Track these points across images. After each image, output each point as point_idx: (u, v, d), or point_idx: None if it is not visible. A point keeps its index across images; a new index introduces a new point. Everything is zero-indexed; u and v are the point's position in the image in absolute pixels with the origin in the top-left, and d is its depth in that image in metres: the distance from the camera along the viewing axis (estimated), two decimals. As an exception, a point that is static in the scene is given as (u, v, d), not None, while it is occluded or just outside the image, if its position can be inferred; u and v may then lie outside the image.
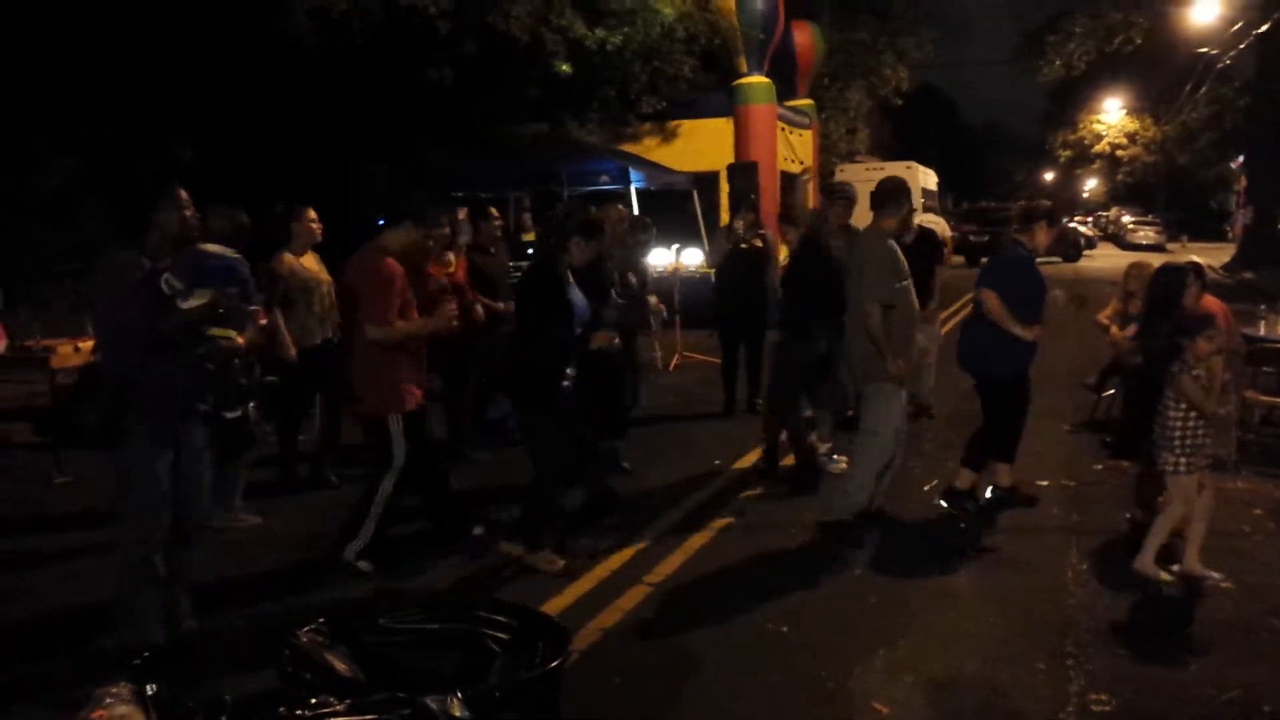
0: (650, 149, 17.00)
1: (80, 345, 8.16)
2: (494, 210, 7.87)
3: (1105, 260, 31.37)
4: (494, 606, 2.98)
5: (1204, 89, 33.31)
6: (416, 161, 14.13)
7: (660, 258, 13.71)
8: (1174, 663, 4.31)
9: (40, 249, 12.29)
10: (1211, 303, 7.07)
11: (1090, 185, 64.37)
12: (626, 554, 5.62)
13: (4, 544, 5.94)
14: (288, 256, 6.59)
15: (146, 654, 4.12)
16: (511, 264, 10.34)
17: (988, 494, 6.33)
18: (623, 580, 5.22)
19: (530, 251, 11.62)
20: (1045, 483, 6.67)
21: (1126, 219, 44.35)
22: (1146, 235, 39.85)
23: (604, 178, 13.35)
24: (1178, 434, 5.09)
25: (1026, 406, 6.26)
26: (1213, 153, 35.13)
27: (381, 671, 2.78)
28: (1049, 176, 69.12)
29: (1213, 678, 4.15)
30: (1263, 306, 8.88)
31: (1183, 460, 5.09)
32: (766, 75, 17.29)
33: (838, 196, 7.37)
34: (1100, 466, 7.29)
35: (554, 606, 4.80)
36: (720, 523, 6.18)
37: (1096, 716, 3.86)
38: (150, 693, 2.01)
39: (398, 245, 5.27)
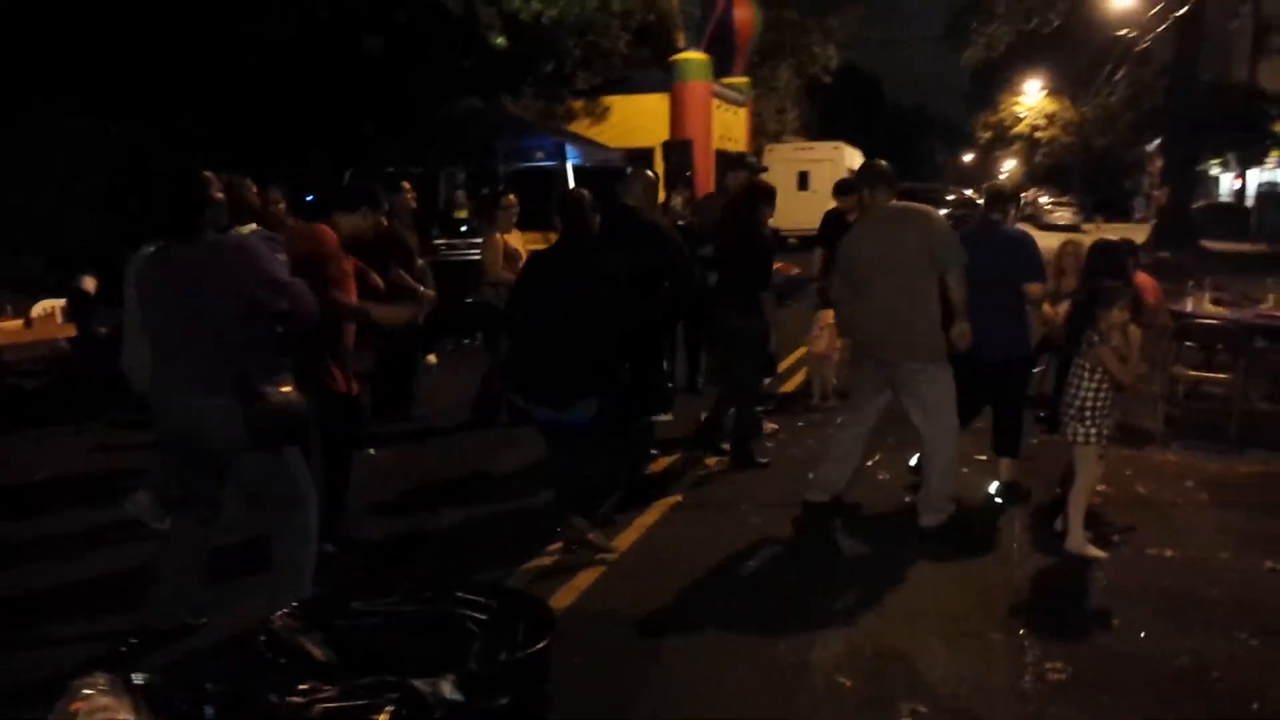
0: (584, 125, 16.89)
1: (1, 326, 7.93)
2: (407, 184, 7.82)
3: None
4: (471, 587, 2.93)
5: (1122, 71, 34.17)
6: (352, 138, 13.86)
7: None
8: (1124, 632, 4.43)
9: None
10: (1144, 279, 7.30)
11: (1008, 166, 65.70)
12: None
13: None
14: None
15: (133, 641, 4.06)
16: (443, 241, 10.21)
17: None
18: (578, 560, 5.20)
19: (463, 230, 11.54)
20: (984, 457, 6.79)
21: (1044, 199, 45.29)
22: (1063, 215, 40.66)
23: (540, 154, 13.22)
24: (1089, 405, 5.24)
25: None
26: (1131, 134, 36.07)
27: (356, 656, 2.72)
28: (968, 158, 70.41)
29: (1162, 645, 4.27)
30: (1190, 284, 9.16)
31: (1093, 431, 5.24)
32: (705, 51, 17.27)
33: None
34: (1035, 441, 7.45)
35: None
36: (670, 500, 6.19)
37: (1054, 685, 3.95)
38: (138, 682, 1.94)
39: (347, 229, 5.03)
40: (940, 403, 5.48)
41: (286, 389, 3.93)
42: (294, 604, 2.79)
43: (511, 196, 7.94)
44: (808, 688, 3.94)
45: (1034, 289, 5.96)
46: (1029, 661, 4.14)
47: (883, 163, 5.85)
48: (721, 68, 18.78)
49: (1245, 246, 28.66)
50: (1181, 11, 24.10)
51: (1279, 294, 9.14)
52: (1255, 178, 34.53)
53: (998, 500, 6.13)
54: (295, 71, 13.21)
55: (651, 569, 5.15)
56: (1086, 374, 5.25)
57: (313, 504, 4.24)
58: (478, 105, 15.09)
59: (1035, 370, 8.74)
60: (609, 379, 5.16)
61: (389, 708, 2.23)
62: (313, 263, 4.62)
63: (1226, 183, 39.39)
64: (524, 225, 8.13)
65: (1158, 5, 24.91)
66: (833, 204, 8.67)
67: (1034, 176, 59.52)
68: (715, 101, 17.55)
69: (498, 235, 7.67)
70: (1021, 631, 4.41)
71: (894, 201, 5.67)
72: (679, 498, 6.26)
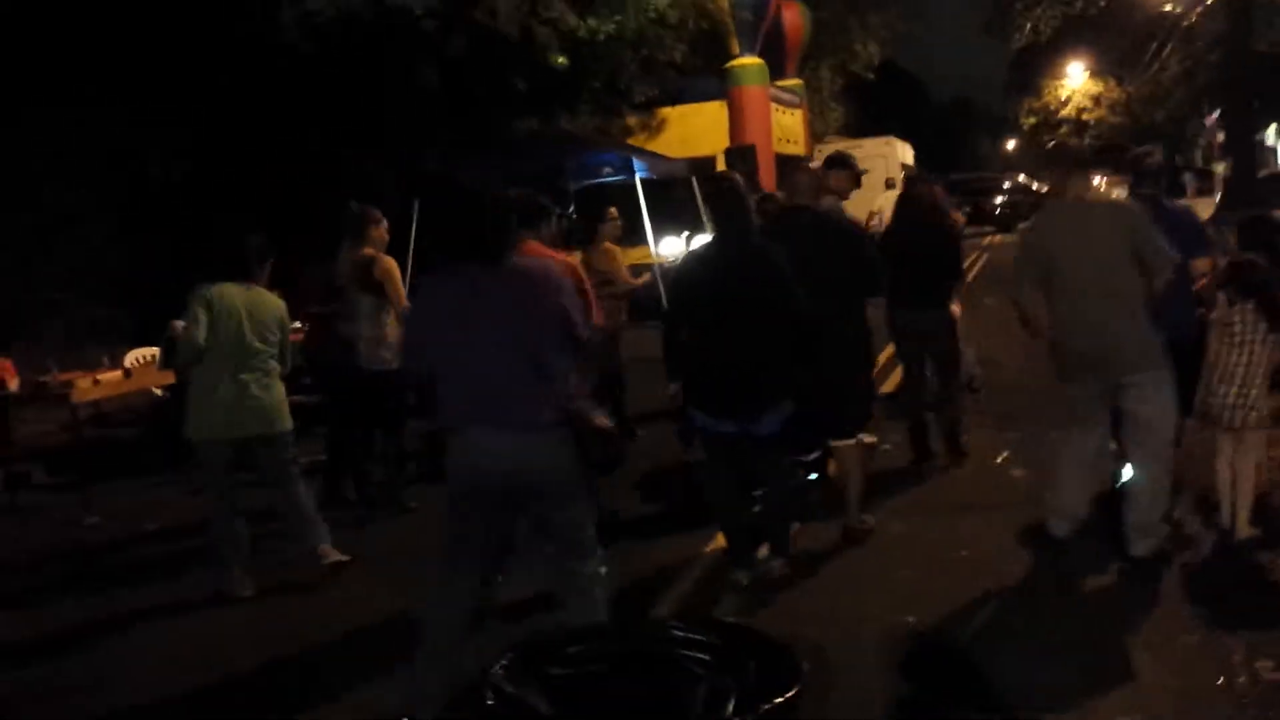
0: (641, 139, 16.72)
1: (100, 378, 7.81)
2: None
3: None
4: (692, 625, 2.69)
5: (1169, 48, 33.46)
6: (409, 164, 13.79)
7: (671, 246, 13.42)
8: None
9: (34, 274, 11.93)
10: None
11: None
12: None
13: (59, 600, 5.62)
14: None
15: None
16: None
17: None
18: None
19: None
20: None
21: (1097, 180, 44.39)
22: (1119, 195, 39.82)
23: (607, 170, 13.03)
24: (1244, 386, 4.95)
25: None
26: (1187, 109, 35.37)
27: (577, 704, 2.49)
28: (1010, 145, 69.47)
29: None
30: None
31: (1251, 414, 4.95)
32: (759, 56, 17.08)
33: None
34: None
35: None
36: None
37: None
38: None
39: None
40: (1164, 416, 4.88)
41: (604, 419, 3.70)
42: (509, 654, 2.56)
43: (614, 209, 7.74)
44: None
45: (1202, 265, 5.43)
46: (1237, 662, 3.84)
47: (1073, 142, 5.41)
48: (774, 71, 18.55)
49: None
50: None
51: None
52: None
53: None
54: (361, 107, 13.24)
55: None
56: (1239, 353, 4.91)
57: None
58: (534, 125, 14.98)
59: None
60: (796, 384, 4.81)
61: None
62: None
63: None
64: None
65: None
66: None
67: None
68: (773, 105, 17.33)
69: (608, 244, 7.50)
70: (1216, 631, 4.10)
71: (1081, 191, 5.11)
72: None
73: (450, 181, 11.14)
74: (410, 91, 13.66)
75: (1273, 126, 33.97)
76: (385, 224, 6.30)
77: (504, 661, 2.52)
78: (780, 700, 2.36)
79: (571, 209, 11.83)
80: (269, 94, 12.97)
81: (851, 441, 5.30)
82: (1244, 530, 4.95)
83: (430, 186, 12.02)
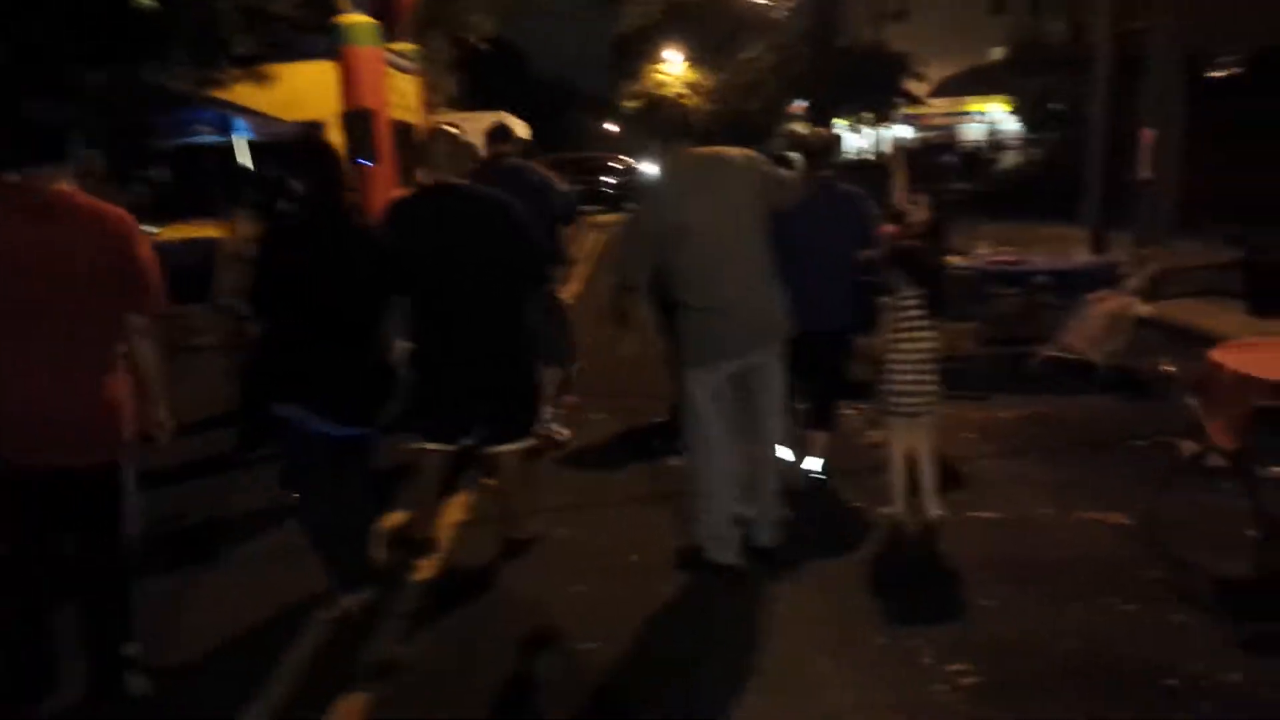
0: (246, 96, 15.10)
1: None
2: None
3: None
4: None
5: (760, 40, 35.95)
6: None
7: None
8: (1002, 616, 4.17)
9: None
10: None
11: (653, 134, 67.61)
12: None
13: None
14: None
15: None
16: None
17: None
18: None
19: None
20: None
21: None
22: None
23: (203, 129, 11.54)
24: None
25: None
26: (777, 98, 38.07)
27: None
28: (614, 128, 72.05)
29: (1045, 626, 4.05)
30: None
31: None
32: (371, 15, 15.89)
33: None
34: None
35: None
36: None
37: (970, 691, 3.57)
38: None
39: None
40: (781, 396, 4.71)
41: None
42: None
43: None
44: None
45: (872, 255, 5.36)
46: (928, 665, 3.75)
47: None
48: (388, 35, 17.44)
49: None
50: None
51: (990, 241, 9.57)
52: (887, 135, 37.51)
53: (823, 478, 5.71)
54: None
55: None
56: (913, 340, 4.94)
57: None
58: (121, 76, 13.00)
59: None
60: (394, 385, 4.29)
61: None
62: None
63: (854, 141, 42.60)
64: (190, 212, 6.76)
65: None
66: None
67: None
68: (388, 69, 16.24)
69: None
70: (904, 631, 4.02)
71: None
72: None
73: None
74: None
75: (845, 120, 37.35)
76: None
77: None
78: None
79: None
80: None
81: (513, 447, 4.77)
82: (931, 514, 4.98)
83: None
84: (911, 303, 4.82)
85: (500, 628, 4.20)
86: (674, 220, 4.34)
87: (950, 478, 5.39)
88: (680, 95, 43.54)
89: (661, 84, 54.13)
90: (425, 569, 4.74)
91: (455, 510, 5.45)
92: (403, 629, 4.19)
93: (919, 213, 6.00)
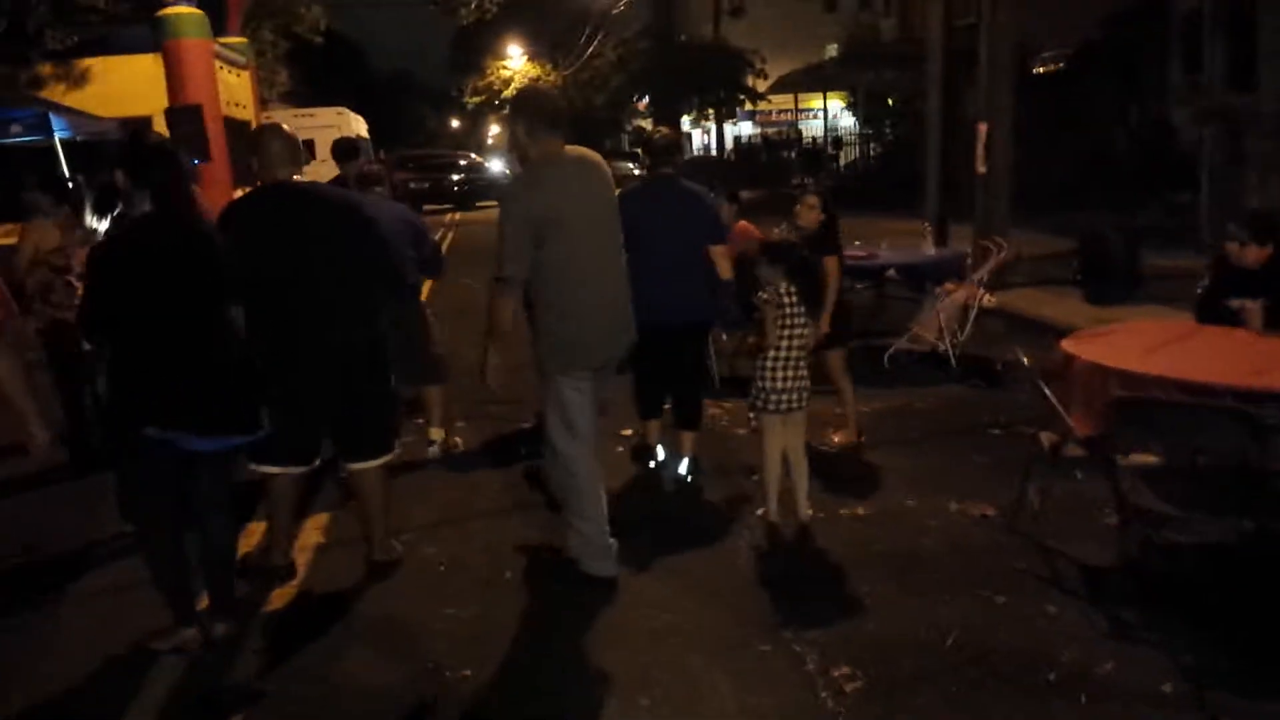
0: (60, 93, 14.16)
1: None
2: None
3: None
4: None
5: (600, 35, 35.86)
6: None
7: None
8: (879, 613, 4.14)
9: None
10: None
11: (495, 130, 67.03)
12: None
13: None
14: None
15: None
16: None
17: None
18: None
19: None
20: (629, 432, 6.33)
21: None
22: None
23: (16, 128, 10.71)
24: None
25: None
26: (621, 94, 38.10)
27: None
28: (456, 123, 70.91)
29: (923, 621, 4.03)
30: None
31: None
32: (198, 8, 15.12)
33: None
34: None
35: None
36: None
37: (856, 695, 3.53)
38: None
39: None
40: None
41: None
42: None
43: None
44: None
45: (721, 250, 5.31)
46: (811, 671, 3.70)
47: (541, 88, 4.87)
48: (216, 29, 16.64)
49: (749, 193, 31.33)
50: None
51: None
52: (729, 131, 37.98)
53: (689, 478, 5.63)
54: None
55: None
56: (788, 336, 4.90)
57: None
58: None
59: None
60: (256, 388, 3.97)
61: None
62: None
63: (699, 138, 43.04)
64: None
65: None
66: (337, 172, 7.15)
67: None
68: (217, 63, 15.49)
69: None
70: (787, 636, 3.96)
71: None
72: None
73: None
74: None
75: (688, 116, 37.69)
76: None
77: None
78: None
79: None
80: None
81: (373, 464, 4.51)
82: (805, 511, 4.95)
83: None
84: (785, 298, 4.78)
85: (364, 658, 3.95)
86: (548, 215, 4.14)
87: (821, 473, 5.38)
88: (551, 85, 42.91)
89: (506, 80, 53.81)
90: (281, 597, 4.44)
91: (312, 533, 5.14)
92: (260, 663, 3.90)
93: (810, 215, 5.94)
